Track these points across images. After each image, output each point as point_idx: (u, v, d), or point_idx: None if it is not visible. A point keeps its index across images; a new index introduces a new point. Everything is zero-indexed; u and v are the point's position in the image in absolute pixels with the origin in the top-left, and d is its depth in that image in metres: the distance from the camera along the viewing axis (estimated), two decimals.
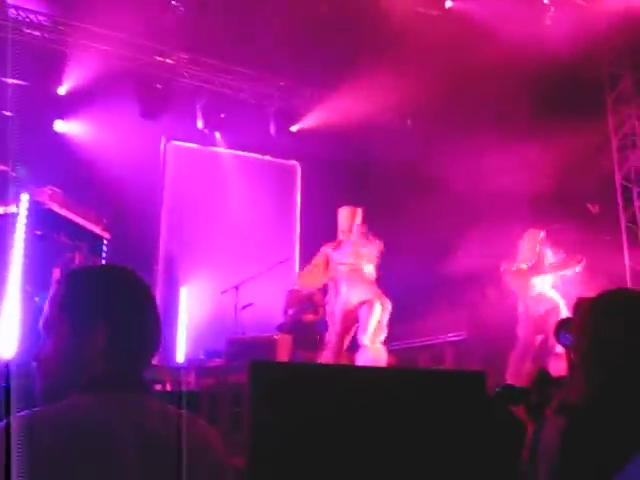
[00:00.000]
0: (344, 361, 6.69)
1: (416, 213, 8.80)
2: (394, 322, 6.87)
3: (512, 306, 7.43)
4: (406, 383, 2.88)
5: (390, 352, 6.89)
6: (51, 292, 1.65)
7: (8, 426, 1.42)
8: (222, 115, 10.29)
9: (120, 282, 1.70)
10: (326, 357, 6.68)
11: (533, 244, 7.37)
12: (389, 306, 6.68)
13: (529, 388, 3.19)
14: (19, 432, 1.44)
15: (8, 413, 1.46)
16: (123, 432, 1.51)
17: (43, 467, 1.41)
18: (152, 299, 1.72)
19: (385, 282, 7.07)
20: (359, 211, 7.03)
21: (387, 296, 6.78)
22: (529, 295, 7.26)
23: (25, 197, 5.73)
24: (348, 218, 6.97)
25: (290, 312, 8.16)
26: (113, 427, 1.50)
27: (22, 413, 1.47)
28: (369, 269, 6.83)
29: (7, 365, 4.88)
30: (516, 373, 6.82)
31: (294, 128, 10.60)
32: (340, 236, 6.96)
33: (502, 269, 7.39)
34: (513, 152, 7.80)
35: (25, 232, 5.56)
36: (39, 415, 1.49)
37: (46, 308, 1.64)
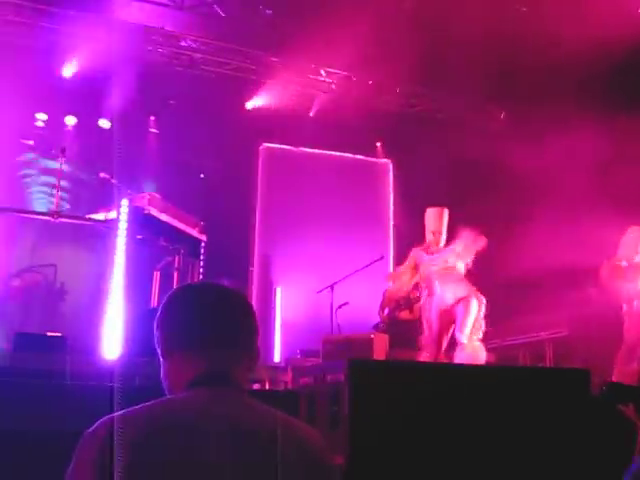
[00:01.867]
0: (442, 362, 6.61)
1: (510, 210, 8.61)
2: (492, 320, 6.74)
3: (615, 304, 7.15)
4: (507, 381, 2.81)
5: (489, 350, 6.76)
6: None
7: (112, 424, 1.46)
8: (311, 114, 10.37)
9: (213, 305, 1.73)
10: (424, 358, 6.60)
11: (636, 241, 7.07)
12: (484, 301, 6.57)
13: (638, 387, 3.04)
14: (118, 429, 1.48)
15: (113, 411, 1.50)
16: (219, 428, 1.52)
17: (140, 463, 1.44)
18: (246, 307, 1.75)
19: (483, 278, 6.95)
20: (446, 211, 6.95)
21: (484, 293, 6.66)
22: (633, 294, 6.97)
23: (125, 203, 5.92)
24: (436, 219, 6.89)
25: (386, 311, 8.11)
26: (207, 423, 1.52)
27: (120, 412, 1.51)
28: (460, 266, 6.73)
29: (112, 365, 5.06)
30: (621, 373, 6.57)
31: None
32: (428, 237, 6.89)
33: (603, 266, 7.12)
34: (606, 146, 7.54)
35: (126, 237, 5.74)
36: (134, 412, 1.52)
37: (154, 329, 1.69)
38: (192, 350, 1.64)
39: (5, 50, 8.40)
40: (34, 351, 5.44)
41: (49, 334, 5.96)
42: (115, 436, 1.44)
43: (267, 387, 7.01)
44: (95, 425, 1.49)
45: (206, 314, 1.67)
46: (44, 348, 5.55)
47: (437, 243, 6.77)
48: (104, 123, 9.88)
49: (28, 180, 9.83)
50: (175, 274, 7.06)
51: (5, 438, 3.84)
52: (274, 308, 10.06)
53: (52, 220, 6.44)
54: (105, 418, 1.50)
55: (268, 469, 1.51)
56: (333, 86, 10.40)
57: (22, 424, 3.96)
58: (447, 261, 6.68)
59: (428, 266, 6.74)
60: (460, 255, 6.67)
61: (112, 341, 5.40)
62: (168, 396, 1.62)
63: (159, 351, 1.67)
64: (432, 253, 6.77)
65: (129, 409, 1.51)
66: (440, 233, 6.81)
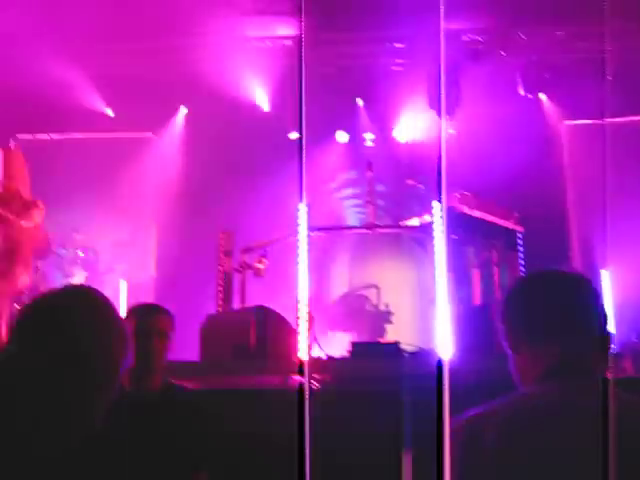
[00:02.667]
0: None
1: None
2: None
3: None
4: None
5: None
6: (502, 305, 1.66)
7: (469, 422, 1.44)
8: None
9: (560, 292, 1.65)
10: None
11: None
12: None
13: None
14: (465, 432, 1.45)
15: (440, 414, 1.48)
16: (577, 421, 1.42)
17: (490, 462, 1.40)
18: (593, 290, 1.65)
19: None
20: None
21: None
22: None
23: (437, 205, 5.97)
24: None
25: None
26: (564, 416, 1.43)
27: (468, 412, 1.49)
28: None
29: (446, 365, 5.09)
30: None
31: None
32: None
33: None
34: None
35: (442, 238, 5.78)
36: (490, 410, 1.49)
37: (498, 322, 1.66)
38: (541, 341, 1.57)
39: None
40: (370, 358, 5.71)
41: (382, 341, 6.23)
42: (474, 434, 1.42)
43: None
44: (454, 425, 1.48)
45: (554, 302, 1.60)
46: (379, 355, 5.79)
47: None
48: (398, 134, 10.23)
49: (339, 197, 10.45)
50: (495, 269, 6.96)
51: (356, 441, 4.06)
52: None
53: (369, 233, 6.72)
54: (463, 417, 1.49)
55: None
56: None
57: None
58: None
59: None
60: None
61: (442, 343, 5.46)
62: (520, 390, 1.57)
63: (506, 345, 1.62)
64: None
65: (484, 406, 1.49)
66: None
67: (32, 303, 1.62)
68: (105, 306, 1.62)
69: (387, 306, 8.24)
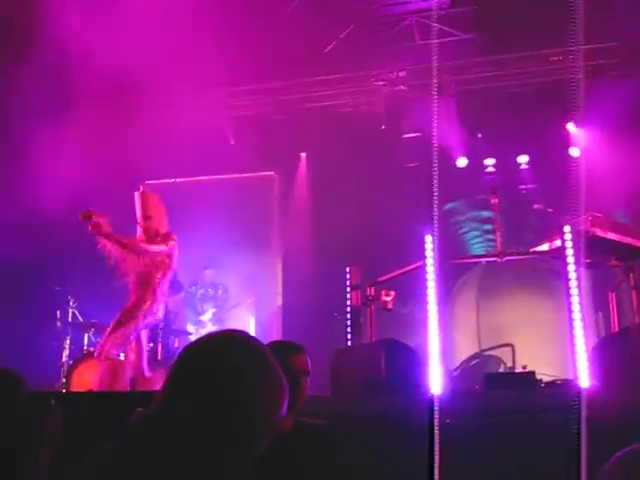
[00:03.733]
0: None
1: None
2: None
3: None
4: None
5: None
6: None
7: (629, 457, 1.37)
8: None
9: None
10: None
11: None
12: None
13: None
14: (626, 470, 1.37)
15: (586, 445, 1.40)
16: None
17: None
18: None
19: None
20: None
21: None
22: None
23: (567, 229, 5.78)
24: None
25: None
26: None
27: (627, 449, 1.40)
28: None
29: (584, 395, 4.87)
30: None
31: None
32: None
33: None
34: None
35: (575, 263, 5.58)
36: None
37: None
38: None
39: None
40: (504, 389, 5.56)
41: (517, 371, 6.04)
42: (634, 472, 1.34)
43: None
44: (611, 460, 1.41)
45: None
46: (514, 385, 5.62)
47: None
48: (523, 159, 10.02)
49: (459, 227, 10.31)
50: (633, 293, 6.62)
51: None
52: None
53: (499, 260, 6.57)
54: (620, 452, 1.41)
55: None
56: None
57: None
58: None
59: None
60: None
61: (580, 371, 5.24)
62: None
63: None
64: None
65: None
66: None
67: (189, 350, 1.62)
68: (263, 352, 1.61)
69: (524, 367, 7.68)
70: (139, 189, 6.39)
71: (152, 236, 6.24)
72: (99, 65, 7.46)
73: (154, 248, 6.12)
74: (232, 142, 10.84)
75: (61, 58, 7.90)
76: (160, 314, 6.31)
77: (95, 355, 6.17)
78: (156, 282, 6.14)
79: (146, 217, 6.30)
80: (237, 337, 1.63)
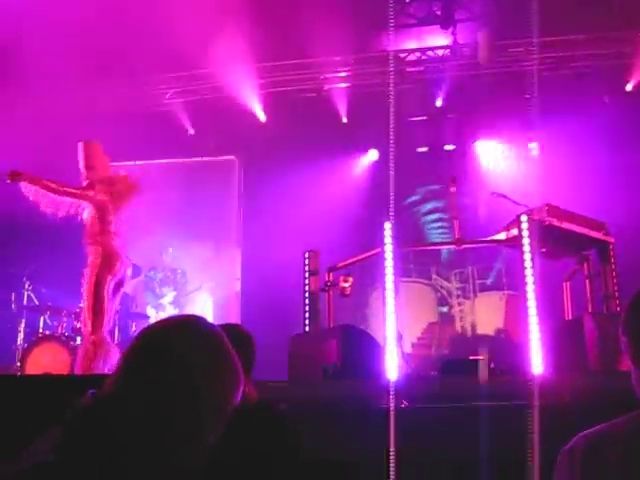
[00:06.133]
0: None
1: None
2: None
3: None
4: None
5: None
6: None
7: (588, 439, 1.39)
8: None
9: None
10: None
11: None
12: None
13: None
14: (585, 450, 1.41)
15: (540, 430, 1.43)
16: None
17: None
18: None
19: None
20: None
21: None
22: None
23: (524, 218, 5.85)
24: None
25: None
26: None
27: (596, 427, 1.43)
28: None
29: (538, 382, 4.97)
30: None
31: None
32: None
33: None
34: None
35: (530, 251, 5.65)
36: (610, 428, 1.43)
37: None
38: None
39: None
40: (459, 375, 5.62)
41: (471, 357, 6.11)
42: (595, 452, 1.37)
43: None
44: (572, 441, 1.44)
45: None
46: (469, 372, 5.68)
47: None
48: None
49: (418, 214, 10.39)
50: (586, 282, 6.75)
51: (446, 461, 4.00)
52: None
53: (455, 248, 6.63)
54: (582, 434, 1.44)
55: None
56: None
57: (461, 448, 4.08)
58: None
59: None
60: None
61: (534, 358, 5.32)
62: None
63: (630, 358, 1.52)
64: None
65: (607, 423, 1.43)
66: None
67: (143, 334, 1.62)
68: (218, 338, 1.61)
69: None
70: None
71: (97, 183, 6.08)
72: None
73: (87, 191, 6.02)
74: (192, 127, 10.77)
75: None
76: (127, 270, 6.19)
77: (82, 339, 6.08)
78: (106, 230, 6.00)
79: (89, 167, 6.13)
80: (192, 322, 1.63)
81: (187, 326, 1.62)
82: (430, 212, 10.33)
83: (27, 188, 5.84)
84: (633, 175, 9.25)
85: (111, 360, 5.67)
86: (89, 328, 5.80)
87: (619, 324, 1.56)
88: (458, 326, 9.92)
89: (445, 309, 10.05)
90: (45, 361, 7.11)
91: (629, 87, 9.75)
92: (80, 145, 6.23)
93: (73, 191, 5.99)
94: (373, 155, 10.70)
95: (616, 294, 6.50)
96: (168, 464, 1.48)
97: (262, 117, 10.63)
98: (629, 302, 1.56)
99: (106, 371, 5.57)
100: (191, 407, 1.50)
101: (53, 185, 5.90)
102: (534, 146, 9.55)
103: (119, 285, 6.12)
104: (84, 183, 6.11)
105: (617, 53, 9.55)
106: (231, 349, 1.61)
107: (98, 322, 5.79)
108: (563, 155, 9.08)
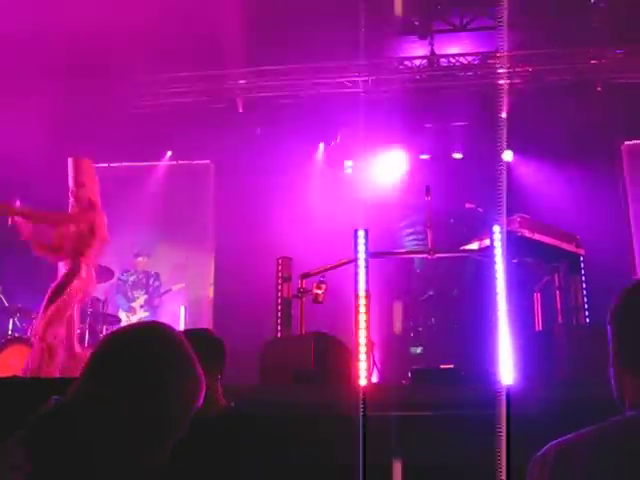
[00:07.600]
0: None
1: None
2: None
3: None
4: None
5: None
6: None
7: (560, 447, 1.41)
8: None
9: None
10: None
11: None
12: None
13: None
14: (567, 453, 1.42)
15: (509, 440, 1.44)
16: None
17: None
18: None
19: None
20: None
21: None
22: None
23: (497, 229, 5.90)
24: None
25: None
26: None
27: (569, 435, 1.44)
28: None
29: (508, 392, 5.00)
30: None
31: None
32: None
33: None
34: None
35: (502, 262, 5.70)
36: (584, 435, 1.44)
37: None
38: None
39: None
40: (430, 383, 5.65)
41: (442, 367, 6.16)
42: (565, 460, 1.38)
43: None
44: (544, 449, 1.44)
45: None
46: (439, 380, 5.72)
47: None
48: (457, 155, 10.18)
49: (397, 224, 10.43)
50: (557, 293, 6.83)
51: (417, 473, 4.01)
52: None
53: (429, 257, 6.66)
54: (554, 442, 1.45)
55: None
56: None
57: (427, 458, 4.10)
58: None
59: None
60: None
61: (503, 368, 5.37)
62: (628, 413, 1.47)
63: (613, 361, 1.51)
64: None
65: (577, 432, 1.44)
66: None
67: (106, 340, 1.66)
68: (181, 345, 1.65)
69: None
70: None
71: (84, 205, 6.05)
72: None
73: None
74: (168, 130, 10.72)
75: None
76: (92, 289, 6.19)
77: (30, 337, 6.04)
78: (84, 253, 5.97)
79: (78, 184, 6.08)
80: (154, 329, 1.67)
81: (149, 332, 1.66)
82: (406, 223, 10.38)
83: (22, 225, 5.83)
84: (603, 187, 9.37)
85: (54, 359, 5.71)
86: (40, 334, 5.78)
87: (605, 317, 1.56)
88: None
89: None
90: (13, 363, 7.02)
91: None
92: (70, 161, 6.15)
93: (61, 218, 6.02)
94: (347, 164, 10.75)
95: (585, 306, 6.58)
96: (133, 466, 1.49)
97: (239, 122, 10.59)
98: (616, 304, 1.55)
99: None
100: (153, 410, 1.53)
101: (42, 215, 5.93)
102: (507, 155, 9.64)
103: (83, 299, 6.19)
104: (71, 199, 6.08)
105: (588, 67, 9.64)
106: (193, 354, 1.65)
107: (52, 329, 5.76)
108: (534, 167, 9.20)
